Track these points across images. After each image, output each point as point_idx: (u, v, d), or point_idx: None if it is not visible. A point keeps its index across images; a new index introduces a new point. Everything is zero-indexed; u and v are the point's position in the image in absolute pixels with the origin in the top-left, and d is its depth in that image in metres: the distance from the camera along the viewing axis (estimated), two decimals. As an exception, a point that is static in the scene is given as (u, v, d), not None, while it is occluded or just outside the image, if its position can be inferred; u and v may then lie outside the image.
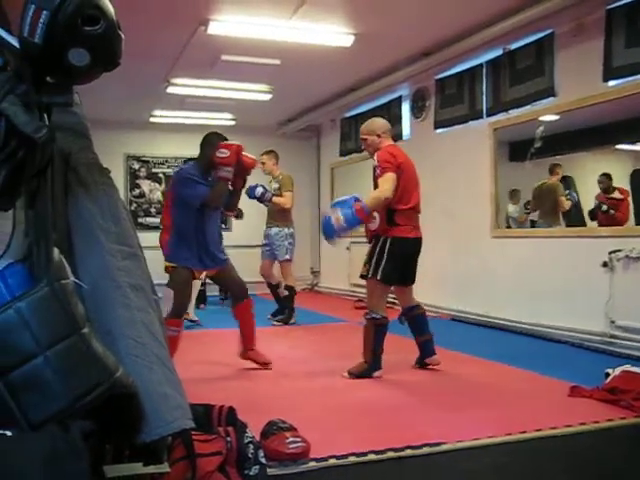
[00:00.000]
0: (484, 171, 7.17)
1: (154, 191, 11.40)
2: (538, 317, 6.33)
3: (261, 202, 7.25)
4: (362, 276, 4.78)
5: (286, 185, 7.46)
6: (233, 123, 11.13)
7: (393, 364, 4.97)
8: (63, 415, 1.18)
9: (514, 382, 4.50)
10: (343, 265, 10.39)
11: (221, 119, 10.92)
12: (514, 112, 6.69)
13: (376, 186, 4.61)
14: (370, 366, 4.67)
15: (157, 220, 11.10)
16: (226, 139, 4.74)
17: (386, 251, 4.63)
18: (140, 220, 11.25)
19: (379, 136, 4.80)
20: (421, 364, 4.95)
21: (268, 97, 9.29)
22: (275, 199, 7.30)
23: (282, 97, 9.36)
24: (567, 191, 7.50)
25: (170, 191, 4.89)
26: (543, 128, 6.72)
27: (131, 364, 1.46)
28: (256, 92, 9.14)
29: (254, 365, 5.03)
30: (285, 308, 7.50)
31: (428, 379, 4.65)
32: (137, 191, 11.34)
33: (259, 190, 7.14)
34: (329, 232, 4.46)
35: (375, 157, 4.67)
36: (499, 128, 6.98)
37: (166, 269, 4.84)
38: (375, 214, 4.60)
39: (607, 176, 7.23)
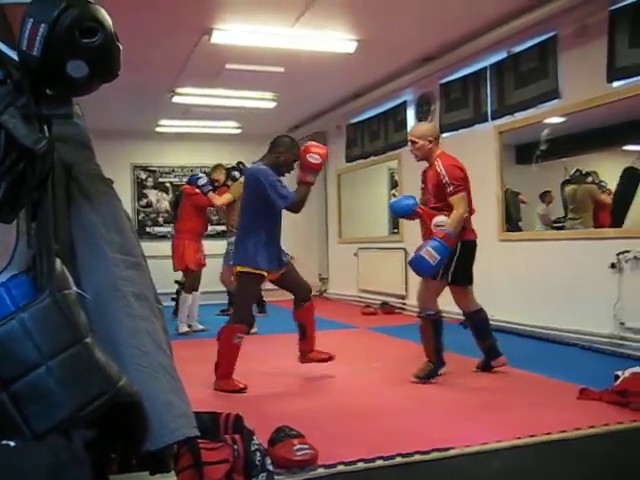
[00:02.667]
0: (490, 174, 7.16)
1: (161, 201, 11.45)
2: (546, 320, 6.31)
3: (200, 190, 7.31)
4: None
5: (237, 189, 7.52)
6: (239, 131, 11.17)
7: (399, 369, 4.97)
8: (66, 424, 1.19)
9: (523, 385, 4.50)
10: (351, 272, 10.39)
11: (227, 127, 10.97)
12: (519, 115, 6.68)
13: (427, 190, 4.76)
14: (436, 365, 4.68)
15: (165, 229, 11.15)
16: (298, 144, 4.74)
17: (457, 255, 4.66)
18: (148, 230, 11.30)
19: (430, 142, 4.76)
20: (485, 367, 4.94)
21: (273, 105, 9.32)
22: (211, 195, 7.33)
23: (287, 104, 9.38)
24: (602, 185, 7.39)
25: (248, 191, 4.69)
26: (549, 130, 6.71)
27: (135, 373, 1.47)
28: (261, 100, 9.17)
29: (260, 372, 5.04)
30: None
31: (436, 384, 4.64)
32: (144, 201, 11.38)
33: (202, 180, 7.27)
34: (427, 269, 4.49)
35: (441, 168, 4.64)
36: (505, 131, 6.98)
37: (235, 274, 4.71)
38: (447, 220, 4.60)
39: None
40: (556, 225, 7.43)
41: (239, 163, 8.33)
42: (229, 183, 7.86)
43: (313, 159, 4.49)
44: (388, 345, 6.46)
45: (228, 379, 4.54)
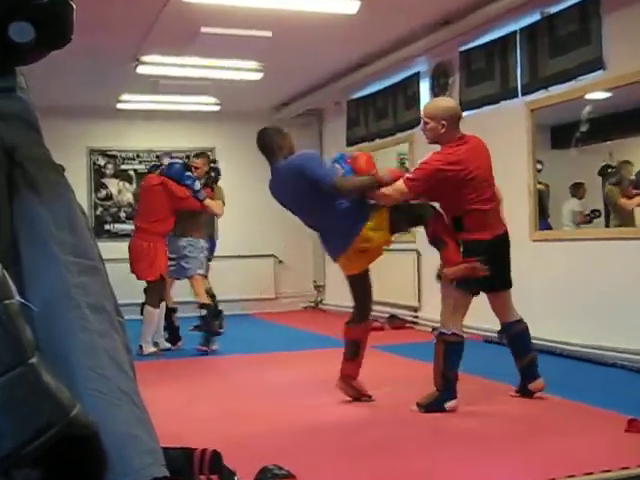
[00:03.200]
0: (521, 161, 7.17)
1: (123, 192, 11.44)
2: (587, 336, 6.31)
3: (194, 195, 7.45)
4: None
5: (221, 194, 7.86)
6: (217, 108, 11.16)
7: (411, 396, 4.97)
8: (7, 463, 1.19)
9: (558, 415, 4.52)
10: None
11: (203, 104, 10.96)
12: (555, 89, 6.69)
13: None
14: (441, 394, 4.68)
15: (128, 227, 11.13)
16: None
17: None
18: (107, 227, 11.29)
19: (443, 125, 4.78)
20: (524, 392, 4.96)
21: (259, 76, 9.31)
22: (209, 202, 7.50)
23: (275, 76, 9.37)
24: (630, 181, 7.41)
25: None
26: (591, 108, 6.71)
27: (91, 400, 1.46)
28: (244, 71, 9.16)
29: (244, 400, 5.04)
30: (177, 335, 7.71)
31: (457, 413, 4.65)
32: (103, 192, 11.37)
33: (198, 184, 7.45)
34: None
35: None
36: (538, 109, 6.99)
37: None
38: None
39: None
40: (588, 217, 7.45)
41: (213, 161, 8.52)
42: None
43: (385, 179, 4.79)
44: (398, 367, 6.46)
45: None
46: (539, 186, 7.41)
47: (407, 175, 4.78)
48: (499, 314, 5.03)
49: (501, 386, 5.33)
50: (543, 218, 7.38)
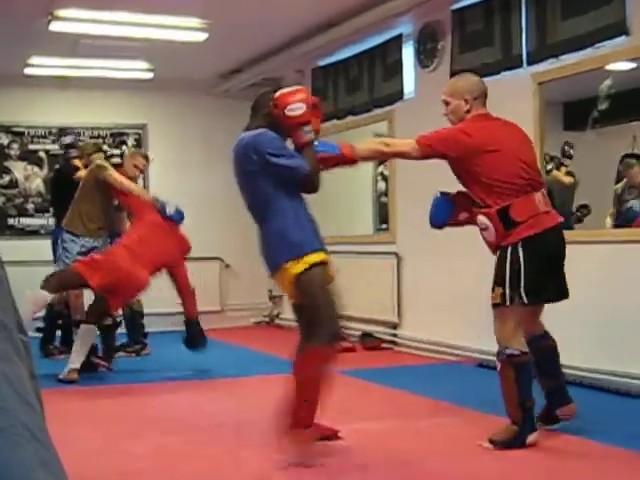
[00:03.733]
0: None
1: (32, 177, 11.34)
2: (611, 362, 6.37)
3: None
4: (495, 305, 4.86)
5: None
6: (150, 75, 11.11)
7: (391, 435, 4.96)
8: None
9: (575, 457, 4.55)
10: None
11: (133, 70, 10.91)
12: (568, 58, 6.72)
13: (459, 178, 5.01)
14: (522, 428, 4.70)
15: (37, 221, 11.04)
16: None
17: (520, 263, 4.76)
18: (11, 222, 11.18)
19: (467, 101, 4.96)
20: (550, 420, 5.02)
21: (203, 37, 9.28)
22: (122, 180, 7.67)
23: (223, 37, 9.36)
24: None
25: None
26: (612, 81, 6.76)
27: (-13, 439, 1.43)
28: (184, 29, 9.14)
29: (178, 434, 5.01)
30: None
31: (448, 453, 4.65)
32: (6, 178, 11.26)
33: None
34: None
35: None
36: (547, 81, 7.02)
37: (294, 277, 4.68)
38: (486, 221, 4.83)
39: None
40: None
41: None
42: None
43: (293, 111, 4.68)
44: (372, 397, 6.46)
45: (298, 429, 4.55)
46: (567, 178, 7.48)
47: (420, 134, 4.94)
48: (529, 327, 5.01)
49: (499, 419, 5.35)
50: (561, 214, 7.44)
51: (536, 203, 4.83)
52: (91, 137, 11.24)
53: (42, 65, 10.53)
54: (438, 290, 7.82)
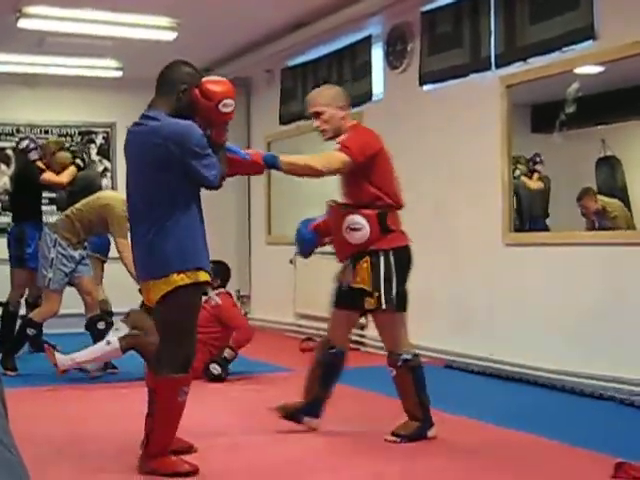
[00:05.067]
0: (493, 147, 7.23)
1: (-1, 176, 11.25)
2: (571, 363, 6.40)
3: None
4: (369, 311, 5.04)
5: None
6: (119, 74, 11.05)
7: (359, 436, 4.96)
8: None
9: (537, 457, 4.57)
10: (285, 287, 10.36)
11: (101, 68, 10.84)
12: (536, 61, 6.76)
13: (346, 178, 5.04)
14: (424, 423, 4.96)
15: (5, 220, 10.94)
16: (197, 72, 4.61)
17: (397, 269, 4.95)
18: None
19: (342, 108, 5.04)
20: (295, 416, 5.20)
21: (172, 36, 9.25)
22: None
23: (193, 36, 9.32)
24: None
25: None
26: (579, 85, 6.80)
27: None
28: (154, 28, 9.11)
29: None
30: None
31: (414, 454, 4.67)
32: (-27, 176, 11.15)
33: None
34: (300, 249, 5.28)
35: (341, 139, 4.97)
36: (515, 84, 7.05)
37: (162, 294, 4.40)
38: (362, 222, 4.89)
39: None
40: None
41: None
42: None
43: (227, 107, 4.43)
44: (340, 398, 6.45)
45: (165, 457, 4.39)
46: (535, 183, 7.53)
47: (340, 143, 4.90)
48: (346, 333, 5.34)
49: (465, 420, 5.37)
50: (539, 218, 7.46)
51: (400, 219, 5.07)
52: (59, 135, 11.16)
53: (9, 62, 10.46)
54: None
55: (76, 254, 7.41)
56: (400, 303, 4.96)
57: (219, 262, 7.61)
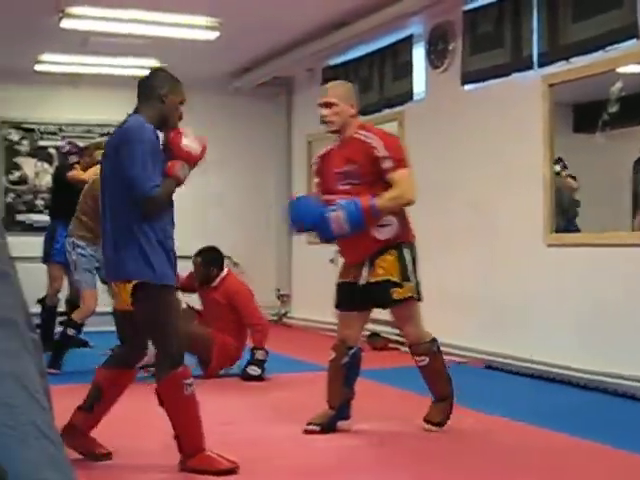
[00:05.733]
0: (535, 146, 7.19)
1: (42, 174, 11.34)
2: (618, 365, 6.36)
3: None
4: (394, 302, 5.12)
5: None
6: (161, 74, 11.10)
7: (400, 436, 4.97)
8: None
9: (578, 459, 4.56)
10: (325, 287, 10.32)
11: (143, 67, 10.88)
12: (579, 61, 6.72)
13: (332, 179, 5.20)
14: (451, 398, 5.22)
15: (47, 218, 11.03)
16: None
17: (414, 261, 5.16)
18: (20, 218, 11.19)
19: (352, 106, 5.24)
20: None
21: (214, 35, 9.28)
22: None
23: (235, 35, 9.35)
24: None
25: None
26: (622, 84, 6.75)
27: (-5, 437, 1.44)
28: (196, 28, 9.13)
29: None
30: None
31: (454, 454, 4.67)
32: (16, 174, 11.28)
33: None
34: (325, 233, 4.99)
35: (371, 139, 5.09)
36: (557, 84, 7.01)
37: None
38: (391, 219, 5.04)
39: None
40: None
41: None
42: None
43: (192, 146, 4.54)
44: (380, 398, 6.46)
45: (203, 454, 4.42)
46: (574, 182, 7.47)
47: (389, 165, 5.01)
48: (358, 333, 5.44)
49: (505, 421, 5.35)
50: (567, 218, 7.42)
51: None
52: (101, 134, 11.25)
53: (52, 62, 10.55)
54: (444, 290, 7.80)
55: (98, 253, 7.50)
56: (420, 295, 5.19)
57: (210, 249, 7.71)
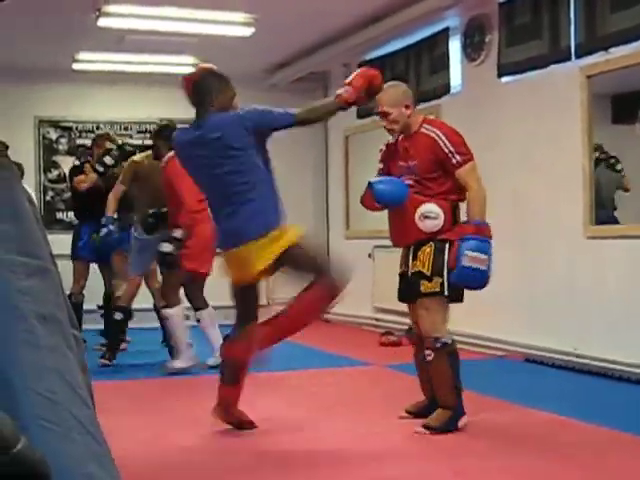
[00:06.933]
0: (573, 138, 7.16)
1: (80, 173, 11.42)
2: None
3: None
4: (425, 294, 5.12)
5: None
6: (197, 70, 11.14)
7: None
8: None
9: (628, 458, 4.52)
10: (364, 281, 10.36)
11: (179, 65, 10.92)
12: (617, 51, 6.68)
13: (397, 169, 5.30)
14: (456, 412, 5.03)
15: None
16: None
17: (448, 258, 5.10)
18: (60, 216, 11.26)
19: (407, 107, 5.29)
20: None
21: (250, 31, 9.30)
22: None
23: (270, 31, 9.36)
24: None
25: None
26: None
27: (39, 432, 1.45)
28: (232, 24, 9.17)
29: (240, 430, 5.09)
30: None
31: (494, 451, 4.67)
32: (54, 172, 11.36)
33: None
34: (481, 279, 5.03)
35: (437, 134, 5.16)
36: (596, 75, 6.97)
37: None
38: (439, 211, 5.07)
39: None
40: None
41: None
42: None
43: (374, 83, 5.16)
44: (417, 391, 6.46)
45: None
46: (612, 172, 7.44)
47: (457, 160, 5.06)
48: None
49: (547, 415, 5.34)
50: (604, 209, 7.38)
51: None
52: (138, 132, 11.33)
53: (90, 60, 10.63)
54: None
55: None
56: (450, 291, 5.11)
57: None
